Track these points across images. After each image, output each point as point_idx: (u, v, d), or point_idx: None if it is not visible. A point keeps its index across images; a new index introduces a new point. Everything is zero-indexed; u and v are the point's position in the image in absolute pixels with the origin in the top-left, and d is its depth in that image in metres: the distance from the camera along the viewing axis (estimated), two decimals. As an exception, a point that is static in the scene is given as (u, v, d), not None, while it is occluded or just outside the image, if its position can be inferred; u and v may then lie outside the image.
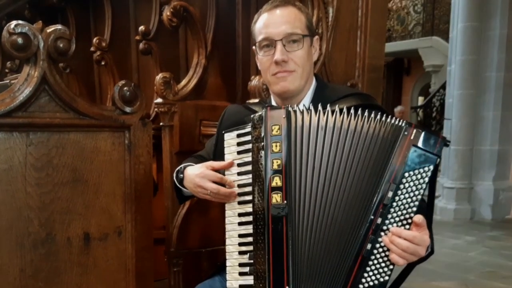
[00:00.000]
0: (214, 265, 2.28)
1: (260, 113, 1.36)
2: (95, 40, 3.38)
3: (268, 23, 1.49)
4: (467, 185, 6.88)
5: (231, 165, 1.42)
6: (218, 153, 1.59)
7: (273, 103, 1.63)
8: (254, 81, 1.99)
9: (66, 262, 1.65)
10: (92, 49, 3.40)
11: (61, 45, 1.56)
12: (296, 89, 1.52)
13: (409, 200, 1.24)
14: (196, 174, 1.47)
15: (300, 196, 1.31)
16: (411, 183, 1.24)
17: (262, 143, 1.33)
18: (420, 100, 10.80)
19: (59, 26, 1.57)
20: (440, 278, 4.16)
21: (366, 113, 1.31)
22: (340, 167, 1.30)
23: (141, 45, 2.83)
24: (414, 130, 1.25)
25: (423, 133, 1.25)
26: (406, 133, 1.26)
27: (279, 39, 1.46)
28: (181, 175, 1.56)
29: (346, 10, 2.23)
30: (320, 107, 1.33)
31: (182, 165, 1.59)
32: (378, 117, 1.30)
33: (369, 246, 1.26)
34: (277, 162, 1.31)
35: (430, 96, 10.21)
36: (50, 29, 1.55)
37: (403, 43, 11.46)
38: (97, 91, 3.86)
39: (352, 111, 1.31)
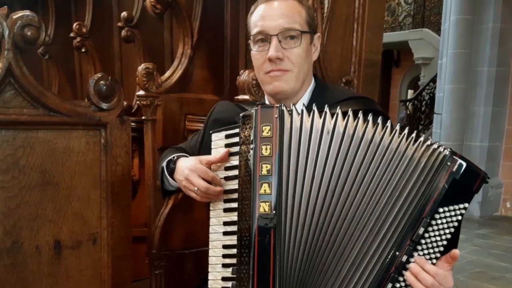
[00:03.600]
0: (198, 268, 2.21)
1: (250, 111, 1.25)
2: (75, 25, 3.31)
3: (264, 15, 1.37)
4: (456, 182, 6.85)
5: (227, 154, 1.30)
6: (203, 152, 1.47)
7: (267, 103, 1.50)
8: (244, 76, 1.87)
9: (35, 273, 1.54)
10: (72, 35, 3.33)
11: (28, 33, 1.43)
12: (291, 90, 1.40)
13: (438, 238, 1.12)
14: (187, 166, 1.36)
15: (294, 206, 1.18)
16: (444, 220, 1.12)
17: (251, 145, 1.22)
18: (410, 94, 10.75)
19: (27, 12, 1.44)
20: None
21: (388, 123, 1.19)
22: (348, 180, 1.17)
23: (123, 32, 2.75)
24: (458, 161, 1.13)
25: (465, 166, 1.12)
26: (449, 163, 1.13)
27: (274, 34, 1.34)
28: (173, 166, 1.45)
29: (343, 0, 2.11)
30: (327, 109, 1.21)
31: (175, 155, 1.49)
32: (406, 132, 1.17)
33: (389, 285, 1.14)
34: (266, 167, 1.19)
35: (420, 90, 10.19)
36: (16, 15, 1.42)
37: (393, 35, 11.39)
38: (77, 79, 3.78)
39: (370, 117, 1.18)
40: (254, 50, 1.41)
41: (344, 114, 1.19)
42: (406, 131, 1.17)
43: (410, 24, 11.49)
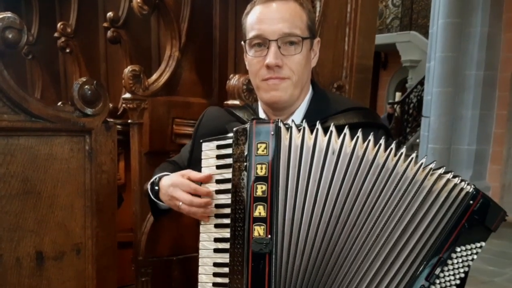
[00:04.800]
0: (186, 275, 2.17)
1: (244, 126, 1.16)
2: (59, 25, 3.27)
3: (262, 17, 1.25)
4: (444, 185, 6.90)
5: (209, 178, 1.21)
6: (193, 162, 1.38)
7: (260, 110, 1.41)
8: (234, 80, 1.83)
9: (15, 286, 1.49)
10: (56, 34, 3.27)
11: (10, 36, 1.37)
12: (289, 99, 1.30)
13: (452, 277, 1.08)
14: (169, 184, 1.28)
15: (292, 231, 1.10)
16: (460, 259, 1.07)
17: (245, 163, 1.12)
18: (398, 96, 10.82)
19: (8, 14, 1.38)
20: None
21: (403, 150, 1.10)
22: (356, 206, 1.09)
23: (109, 33, 2.73)
24: (481, 200, 1.07)
25: (487, 205, 1.08)
26: (471, 201, 1.07)
27: (274, 39, 1.23)
28: (157, 188, 1.36)
29: (335, 5, 2.07)
30: (333, 128, 1.12)
31: (156, 176, 1.39)
32: (423, 161, 1.10)
33: None
34: (261, 188, 1.10)
35: (408, 92, 10.25)
36: (-3, 17, 1.37)
37: (381, 37, 11.39)
38: (61, 80, 3.72)
39: (382, 141, 1.10)
40: (250, 54, 1.30)
41: (352, 129, 1.11)
42: (423, 160, 1.09)
43: (397, 27, 11.58)
